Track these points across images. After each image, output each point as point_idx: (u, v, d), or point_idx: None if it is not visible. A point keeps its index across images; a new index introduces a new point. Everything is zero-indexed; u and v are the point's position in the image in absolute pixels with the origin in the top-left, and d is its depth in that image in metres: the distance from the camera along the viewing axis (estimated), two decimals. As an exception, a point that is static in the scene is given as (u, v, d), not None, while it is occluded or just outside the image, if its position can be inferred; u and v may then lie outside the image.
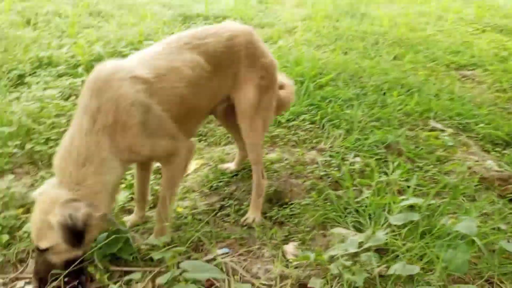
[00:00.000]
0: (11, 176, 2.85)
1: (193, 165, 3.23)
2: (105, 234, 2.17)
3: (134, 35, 5.65)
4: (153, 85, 2.16)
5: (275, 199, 2.90)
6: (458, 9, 8.77)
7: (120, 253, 2.16)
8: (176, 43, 2.35)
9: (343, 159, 3.28)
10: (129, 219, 2.56)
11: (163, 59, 2.26)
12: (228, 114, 2.79)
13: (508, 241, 2.24)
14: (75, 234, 1.89)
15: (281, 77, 2.95)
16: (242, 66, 2.52)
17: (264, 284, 2.06)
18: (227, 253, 2.30)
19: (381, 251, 2.31)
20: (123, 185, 2.87)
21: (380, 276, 2.09)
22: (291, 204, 2.83)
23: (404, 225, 2.38)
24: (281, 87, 2.91)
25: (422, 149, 3.46)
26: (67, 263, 1.98)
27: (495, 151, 3.60)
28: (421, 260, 2.14)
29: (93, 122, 2.01)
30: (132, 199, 2.75)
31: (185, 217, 2.57)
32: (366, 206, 2.67)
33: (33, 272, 2.02)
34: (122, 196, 2.76)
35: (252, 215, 2.66)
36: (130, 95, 2.07)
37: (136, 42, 5.38)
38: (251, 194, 2.72)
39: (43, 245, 1.95)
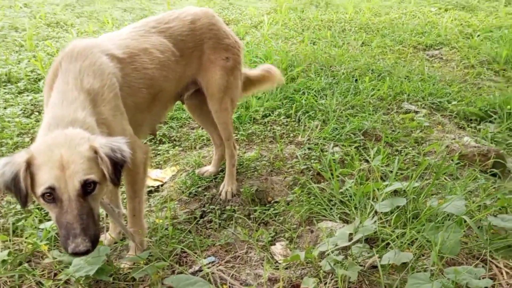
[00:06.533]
0: (-26, 205, 2.65)
1: (169, 172, 3.10)
2: (82, 256, 2.03)
3: (95, 44, 5.43)
4: (127, 66, 2.15)
5: (257, 199, 2.81)
6: (419, -9, 8.90)
7: (99, 275, 2.02)
8: (144, 27, 2.36)
9: (322, 150, 3.22)
10: (105, 237, 2.41)
11: (134, 40, 2.25)
12: (196, 101, 2.82)
13: (495, 216, 2.22)
14: (118, 169, 1.70)
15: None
16: (206, 48, 2.54)
17: (255, 290, 1.97)
18: (213, 262, 2.19)
19: (371, 240, 2.26)
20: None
21: (374, 267, 2.04)
22: (275, 202, 2.75)
23: (391, 211, 2.33)
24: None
25: (399, 132, 3.45)
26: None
27: (470, 127, 3.63)
28: (412, 245, 2.09)
29: (80, 81, 1.90)
30: (107, 216, 2.60)
31: (166, 229, 2.44)
32: (350, 196, 2.62)
33: (80, 231, 1.58)
34: (97, 213, 2.61)
35: (228, 186, 2.81)
36: (110, 67, 2.03)
37: (98, 51, 5.16)
38: (226, 169, 2.87)
39: (96, 177, 1.65)
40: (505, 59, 5.06)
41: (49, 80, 1.97)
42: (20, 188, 1.60)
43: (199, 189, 2.87)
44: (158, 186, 2.97)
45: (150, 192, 2.90)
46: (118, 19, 6.94)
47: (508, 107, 3.77)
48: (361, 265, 2.00)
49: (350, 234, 2.11)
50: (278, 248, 2.32)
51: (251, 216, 2.63)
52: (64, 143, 1.66)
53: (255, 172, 3.03)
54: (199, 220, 2.60)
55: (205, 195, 2.82)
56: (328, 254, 2.01)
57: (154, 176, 3.03)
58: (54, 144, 1.66)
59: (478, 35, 6.06)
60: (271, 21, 6.82)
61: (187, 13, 2.51)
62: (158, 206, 2.69)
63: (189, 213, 2.64)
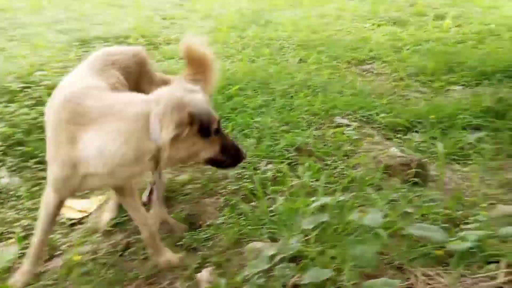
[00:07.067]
0: None
1: (95, 202, 2.95)
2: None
3: (24, 67, 5.18)
4: None
5: (188, 224, 2.73)
6: (355, 8, 9.29)
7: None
8: (95, 60, 2.39)
9: (255, 168, 3.21)
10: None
11: (93, 77, 2.24)
12: None
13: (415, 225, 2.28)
14: None
15: None
16: (144, 83, 2.59)
17: (176, 323, 1.89)
18: (133, 296, 2.09)
19: (298, 259, 2.25)
20: (12, 240, 2.54)
21: (296, 286, 2.02)
22: (207, 225, 2.68)
23: (316, 228, 2.34)
24: None
25: (330, 146, 3.51)
26: None
27: (397, 137, 3.76)
28: (335, 261, 2.10)
29: None
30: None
31: (85, 265, 2.31)
32: (280, 214, 2.61)
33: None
34: (12, 252, 2.43)
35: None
36: None
37: (26, 75, 4.91)
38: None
39: None
40: (431, 71, 5.34)
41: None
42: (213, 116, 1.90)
43: (125, 217, 2.75)
44: (82, 218, 2.82)
45: (73, 224, 2.75)
46: (52, 41, 6.68)
47: (432, 116, 3.96)
48: (284, 286, 1.97)
49: (273, 255, 2.08)
50: (204, 275, 2.25)
51: (177, 243, 2.54)
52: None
53: (187, 196, 2.96)
54: (123, 253, 2.48)
55: (131, 224, 2.70)
56: (251, 278, 1.97)
57: (79, 207, 2.88)
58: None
59: (408, 49, 6.36)
60: (212, 39, 6.83)
61: (127, 48, 2.65)
62: (78, 241, 2.54)
63: (113, 245, 2.52)
